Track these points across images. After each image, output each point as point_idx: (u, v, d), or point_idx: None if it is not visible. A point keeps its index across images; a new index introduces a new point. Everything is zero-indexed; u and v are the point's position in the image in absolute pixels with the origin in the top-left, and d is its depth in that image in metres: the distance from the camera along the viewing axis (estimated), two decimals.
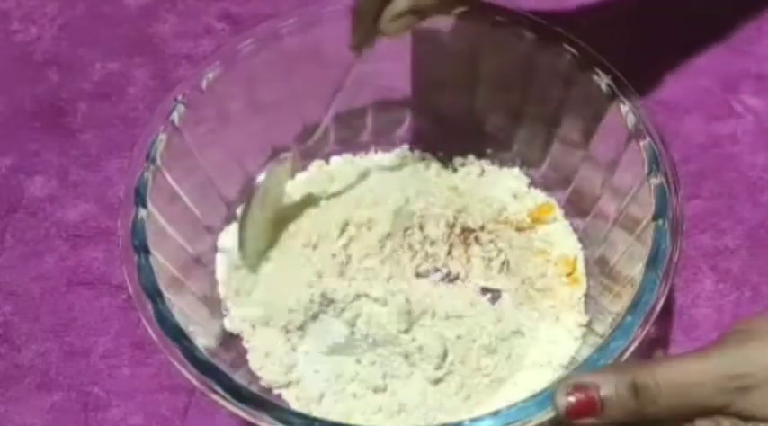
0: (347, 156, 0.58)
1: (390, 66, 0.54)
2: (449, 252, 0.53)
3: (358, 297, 0.50)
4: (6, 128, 0.61)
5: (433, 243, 0.53)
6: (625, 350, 0.41)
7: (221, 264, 0.53)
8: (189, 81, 0.51)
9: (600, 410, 0.37)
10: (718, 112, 0.60)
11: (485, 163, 0.57)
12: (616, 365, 0.40)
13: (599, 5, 0.63)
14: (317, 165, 0.58)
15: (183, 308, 0.45)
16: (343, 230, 0.52)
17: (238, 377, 0.43)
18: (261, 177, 0.52)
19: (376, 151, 0.58)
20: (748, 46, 0.63)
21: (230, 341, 0.50)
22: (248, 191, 0.52)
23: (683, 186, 0.46)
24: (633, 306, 0.42)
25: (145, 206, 0.46)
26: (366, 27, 0.48)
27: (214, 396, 0.40)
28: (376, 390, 0.49)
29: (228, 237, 0.54)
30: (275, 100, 0.54)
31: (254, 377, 0.49)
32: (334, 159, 0.58)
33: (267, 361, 0.50)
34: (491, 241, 0.53)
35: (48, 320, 0.53)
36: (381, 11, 0.47)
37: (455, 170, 0.57)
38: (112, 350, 0.52)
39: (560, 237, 0.54)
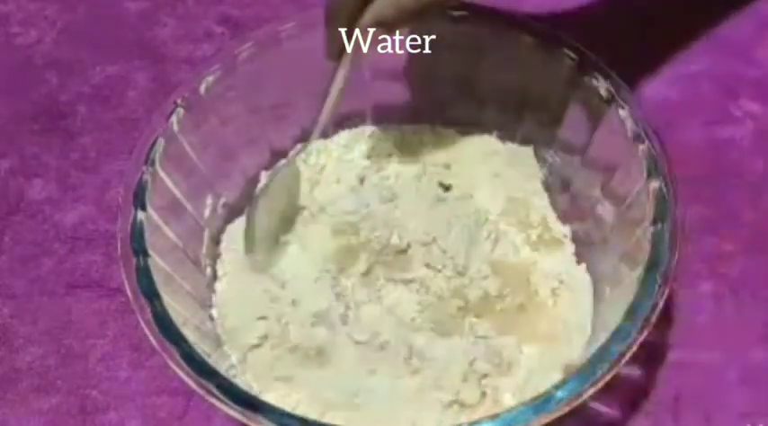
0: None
1: (389, 69, 0.54)
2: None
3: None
4: (6, 130, 0.61)
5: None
6: (623, 354, 0.41)
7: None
8: (188, 84, 0.51)
9: None
10: (717, 117, 0.60)
11: None
12: None
13: (598, 9, 0.63)
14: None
15: (182, 311, 0.45)
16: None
17: (237, 380, 0.43)
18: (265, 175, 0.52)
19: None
20: (748, 51, 0.63)
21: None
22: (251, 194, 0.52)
23: (681, 190, 0.46)
24: (631, 311, 0.42)
25: (144, 209, 0.46)
26: (339, 33, 0.47)
27: (212, 399, 0.40)
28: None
29: (228, 240, 0.54)
30: (274, 103, 0.54)
31: None
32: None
33: None
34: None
35: (46, 323, 0.53)
36: (355, 14, 0.46)
37: None
38: (110, 353, 0.52)
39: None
